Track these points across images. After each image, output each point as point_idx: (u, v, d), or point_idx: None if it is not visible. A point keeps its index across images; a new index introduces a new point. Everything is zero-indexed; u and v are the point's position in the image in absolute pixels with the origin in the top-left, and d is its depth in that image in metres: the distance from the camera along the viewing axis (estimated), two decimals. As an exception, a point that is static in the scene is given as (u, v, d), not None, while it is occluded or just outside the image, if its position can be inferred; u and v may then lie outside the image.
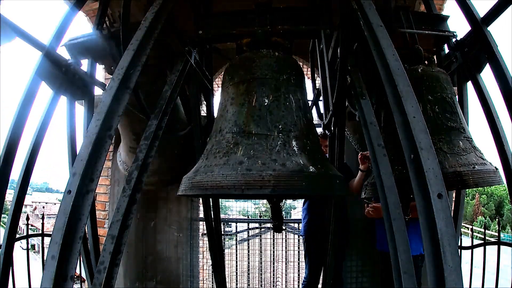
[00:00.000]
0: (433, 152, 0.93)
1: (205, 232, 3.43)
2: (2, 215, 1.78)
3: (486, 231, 3.17)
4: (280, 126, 1.19)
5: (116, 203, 1.17)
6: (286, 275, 4.95)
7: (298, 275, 4.61)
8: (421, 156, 0.93)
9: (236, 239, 4.82)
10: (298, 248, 4.54)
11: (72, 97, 1.95)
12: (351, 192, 2.85)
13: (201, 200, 3.06)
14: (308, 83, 2.89)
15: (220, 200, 2.56)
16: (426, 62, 1.82)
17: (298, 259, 4.59)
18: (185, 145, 2.51)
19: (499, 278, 2.73)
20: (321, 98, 2.19)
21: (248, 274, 4.87)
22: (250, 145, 1.15)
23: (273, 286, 4.98)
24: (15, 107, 1.61)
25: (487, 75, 1.80)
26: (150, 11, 1.34)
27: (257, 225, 4.99)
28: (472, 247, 2.98)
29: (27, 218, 2.80)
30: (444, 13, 2.89)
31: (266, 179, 1.03)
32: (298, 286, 4.53)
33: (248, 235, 4.90)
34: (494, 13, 1.64)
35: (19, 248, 2.29)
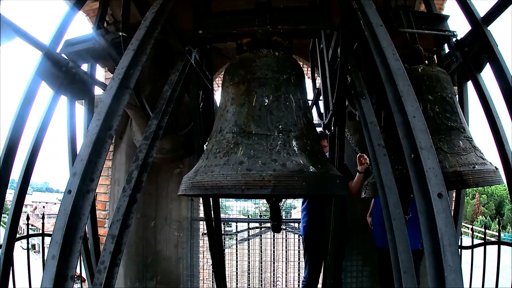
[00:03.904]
0: (433, 151, 0.93)
1: (205, 231, 3.43)
2: (2, 215, 1.78)
3: (487, 231, 3.17)
4: (280, 126, 1.19)
5: (116, 203, 1.17)
6: (286, 274, 4.94)
7: (298, 274, 4.61)
8: (421, 155, 0.93)
9: (236, 239, 4.81)
10: (298, 247, 4.53)
11: (72, 97, 1.95)
12: (350, 193, 2.86)
13: (201, 200, 3.06)
14: (308, 83, 2.89)
15: (220, 200, 2.56)
16: (426, 61, 1.82)
17: (298, 259, 4.59)
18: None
19: (499, 278, 2.73)
20: (321, 98, 2.19)
21: (248, 273, 4.86)
22: (250, 145, 1.15)
23: (273, 285, 4.98)
24: (15, 107, 1.61)
25: (487, 75, 1.80)
26: (150, 11, 1.34)
27: (257, 224, 4.98)
28: (472, 246, 2.99)
29: (27, 218, 2.80)
30: (444, 12, 2.89)
31: (266, 179, 1.03)
32: (298, 285, 4.53)
33: (248, 235, 4.90)
34: (494, 13, 1.64)
35: (19, 248, 2.29)
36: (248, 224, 4.87)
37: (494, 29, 1.72)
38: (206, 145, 1.50)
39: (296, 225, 4.51)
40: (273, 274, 4.95)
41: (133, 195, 1.19)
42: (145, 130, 1.39)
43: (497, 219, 3.04)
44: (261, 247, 4.81)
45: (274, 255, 4.86)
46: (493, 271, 2.72)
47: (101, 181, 3.34)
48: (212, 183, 1.09)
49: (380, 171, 1.10)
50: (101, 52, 1.84)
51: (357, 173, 2.78)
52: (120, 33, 1.69)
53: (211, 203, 2.19)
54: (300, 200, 3.48)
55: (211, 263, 3.04)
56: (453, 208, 2.22)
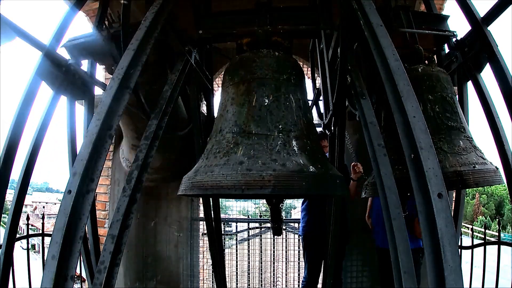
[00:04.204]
0: (433, 151, 0.93)
1: (205, 232, 3.43)
2: (2, 215, 1.78)
3: (486, 231, 3.17)
4: (280, 126, 1.19)
5: (116, 203, 1.17)
6: (286, 274, 4.94)
7: (298, 274, 4.61)
8: (421, 155, 0.93)
9: (236, 239, 4.82)
10: (298, 248, 4.53)
11: (72, 97, 1.95)
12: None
13: (201, 200, 3.06)
14: (308, 83, 2.89)
15: (220, 200, 2.56)
16: (426, 61, 1.82)
17: (298, 259, 4.59)
18: (187, 143, 2.50)
19: (499, 278, 2.73)
20: (321, 98, 2.19)
21: (248, 273, 4.87)
22: (250, 145, 1.15)
23: (273, 285, 4.98)
24: (15, 107, 1.61)
25: (487, 74, 1.80)
26: (150, 11, 1.34)
27: (257, 224, 4.99)
28: (472, 247, 2.98)
29: (27, 218, 2.80)
30: (444, 12, 2.89)
31: (266, 179, 1.03)
32: (298, 286, 4.53)
33: (248, 235, 4.90)
34: (494, 13, 1.64)
35: (19, 248, 2.29)
36: (248, 224, 4.87)
37: (494, 29, 1.72)
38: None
39: (296, 225, 4.51)
40: (273, 274, 4.95)
41: (133, 195, 1.19)
42: (145, 130, 1.39)
43: (497, 219, 3.04)
44: (261, 247, 4.81)
45: (274, 255, 4.86)
46: (493, 271, 2.72)
47: (101, 181, 3.34)
48: (212, 183, 1.09)
49: (380, 171, 1.10)
50: (101, 49, 1.84)
51: (351, 180, 2.80)
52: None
53: (211, 203, 2.19)
54: (300, 200, 3.48)
55: (211, 263, 3.04)
56: (453, 208, 2.22)
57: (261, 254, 4.80)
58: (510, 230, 22.57)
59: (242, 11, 1.66)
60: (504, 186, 1.60)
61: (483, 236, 3.07)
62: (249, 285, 4.85)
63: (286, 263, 4.85)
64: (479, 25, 1.67)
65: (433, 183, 0.89)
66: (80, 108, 2.09)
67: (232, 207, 5.59)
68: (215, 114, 1.50)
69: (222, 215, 3.30)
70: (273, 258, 4.87)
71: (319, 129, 2.13)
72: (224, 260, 2.86)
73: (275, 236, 4.69)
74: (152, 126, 1.38)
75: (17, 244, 1.85)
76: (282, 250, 4.95)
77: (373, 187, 1.76)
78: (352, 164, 2.78)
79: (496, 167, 1.54)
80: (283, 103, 1.25)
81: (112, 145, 3.35)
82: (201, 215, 4.06)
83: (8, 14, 1.46)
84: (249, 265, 4.81)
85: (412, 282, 0.93)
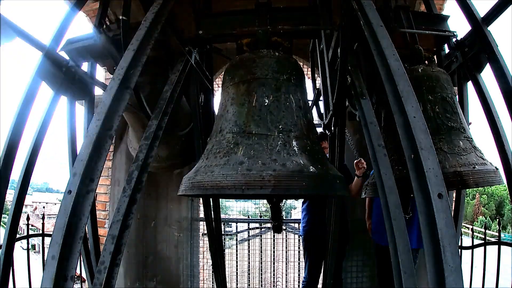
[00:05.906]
0: (434, 152, 0.93)
1: (205, 232, 3.43)
2: (2, 215, 1.78)
3: (487, 231, 3.17)
4: (280, 126, 1.19)
5: (117, 203, 1.17)
6: (286, 275, 4.94)
7: (298, 275, 4.61)
8: (421, 156, 0.93)
9: (236, 239, 4.81)
10: (298, 248, 4.54)
11: (72, 97, 1.95)
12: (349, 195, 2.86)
13: (201, 200, 3.06)
14: (308, 83, 2.89)
15: (220, 200, 2.56)
16: (426, 62, 1.82)
17: (298, 259, 4.59)
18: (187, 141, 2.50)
19: (499, 278, 2.72)
20: (321, 98, 2.19)
21: (248, 274, 4.87)
22: (250, 145, 1.15)
23: (273, 286, 4.98)
24: (15, 107, 1.61)
25: (487, 75, 1.80)
26: (150, 11, 1.34)
27: (257, 225, 4.99)
28: (472, 247, 2.98)
29: (28, 218, 2.80)
30: (444, 13, 2.89)
31: (266, 179, 1.03)
32: (298, 286, 4.53)
33: (248, 235, 4.90)
34: (494, 13, 1.64)
35: (19, 248, 2.30)
36: (248, 225, 4.87)
37: (494, 29, 1.72)
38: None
39: (296, 225, 4.51)
40: (273, 275, 4.95)
41: (133, 196, 1.19)
42: (145, 130, 1.39)
43: (497, 220, 3.04)
44: (261, 247, 4.81)
45: (274, 255, 4.86)
46: (493, 271, 2.72)
47: (101, 181, 3.34)
48: (212, 183, 1.09)
49: (380, 171, 1.10)
50: (101, 50, 1.84)
51: (355, 177, 2.79)
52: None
53: (211, 203, 2.19)
54: (300, 201, 3.48)
55: (211, 264, 3.04)
56: (453, 208, 2.22)
57: (261, 255, 4.80)
58: (510, 230, 22.57)
59: (242, 11, 1.66)
60: (504, 186, 1.60)
61: (483, 236, 3.07)
62: (249, 285, 4.85)
63: (286, 264, 4.85)
64: (479, 25, 1.67)
65: (433, 183, 0.89)
66: (80, 108, 2.09)
67: (232, 207, 5.59)
68: (215, 114, 1.50)
69: (222, 215, 3.30)
70: (273, 259, 4.87)
71: (319, 129, 2.13)
72: (224, 260, 2.86)
73: (275, 235, 4.70)
74: (152, 127, 1.38)
75: (17, 244, 1.85)
76: (282, 250, 4.95)
77: (373, 187, 1.76)
78: (356, 161, 2.77)
79: (496, 167, 1.54)
80: (283, 103, 1.25)
81: (112, 145, 3.35)
82: (201, 215, 4.07)
83: (8, 14, 1.46)
84: (249, 265, 4.82)
85: (412, 282, 0.93)
